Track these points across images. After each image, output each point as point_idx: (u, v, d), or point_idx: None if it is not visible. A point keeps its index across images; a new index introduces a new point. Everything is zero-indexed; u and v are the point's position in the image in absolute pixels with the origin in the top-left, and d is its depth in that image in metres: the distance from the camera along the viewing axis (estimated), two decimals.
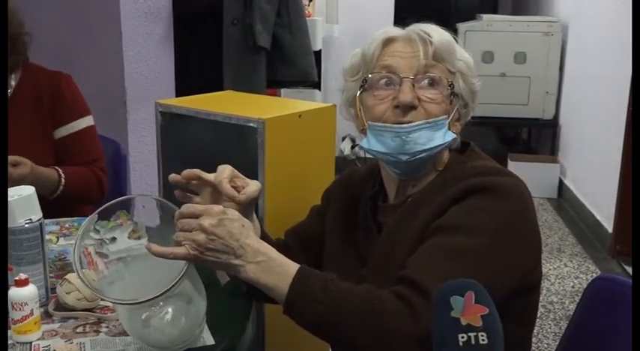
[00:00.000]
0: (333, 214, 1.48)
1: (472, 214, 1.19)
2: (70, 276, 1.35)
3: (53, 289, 1.39)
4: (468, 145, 1.37)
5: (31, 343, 1.23)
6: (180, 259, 1.12)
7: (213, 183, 1.33)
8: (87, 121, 2.07)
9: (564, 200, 4.85)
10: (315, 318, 1.11)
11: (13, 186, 1.38)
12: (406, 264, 1.18)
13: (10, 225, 1.31)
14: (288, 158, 1.84)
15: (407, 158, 1.27)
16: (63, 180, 1.95)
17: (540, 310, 3.18)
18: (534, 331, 3.04)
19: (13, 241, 1.31)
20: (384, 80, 1.28)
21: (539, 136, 5.87)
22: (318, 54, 4.49)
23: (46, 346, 1.23)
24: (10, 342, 1.23)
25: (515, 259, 1.20)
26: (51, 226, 1.78)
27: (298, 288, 1.12)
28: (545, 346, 2.90)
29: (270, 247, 1.17)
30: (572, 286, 3.48)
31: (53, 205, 1.77)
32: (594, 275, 3.55)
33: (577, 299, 3.17)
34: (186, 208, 1.15)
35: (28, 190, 1.35)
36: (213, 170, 2.16)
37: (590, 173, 4.46)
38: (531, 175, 4.71)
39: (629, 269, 3.61)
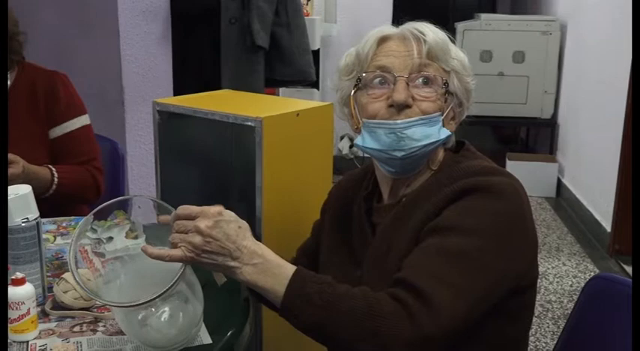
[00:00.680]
0: (328, 218, 1.48)
1: (467, 215, 1.18)
2: (67, 275, 1.35)
3: (50, 288, 1.39)
4: (462, 145, 1.37)
5: (27, 342, 1.23)
6: (176, 261, 1.12)
7: None
8: (82, 121, 2.07)
9: (562, 199, 4.86)
10: (311, 320, 1.11)
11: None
12: (402, 265, 1.17)
13: None
14: (285, 157, 1.84)
15: (402, 155, 1.27)
16: (56, 179, 1.94)
17: (538, 309, 3.18)
18: (532, 330, 3.05)
19: (10, 240, 1.31)
20: (378, 79, 1.28)
21: (537, 136, 5.87)
22: (316, 53, 4.49)
23: (43, 346, 1.22)
24: None
25: (512, 259, 1.19)
26: (48, 225, 1.78)
27: (294, 290, 1.11)
28: (544, 344, 2.90)
29: (267, 248, 1.17)
30: (571, 285, 3.48)
31: (50, 205, 1.77)
32: (592, 274, 3.55)
33: (575, 298, 3.17)
34: (183, 209, 1.15)
35: (25, 189, 1.35)
36: (211, 169, 2.16)
37: (588, 172, 4.46)
38: (529, 174, 4.73)
39: (628, 268, 3.61)
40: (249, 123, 1.76)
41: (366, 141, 1.29)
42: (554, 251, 3.95)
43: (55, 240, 1.71)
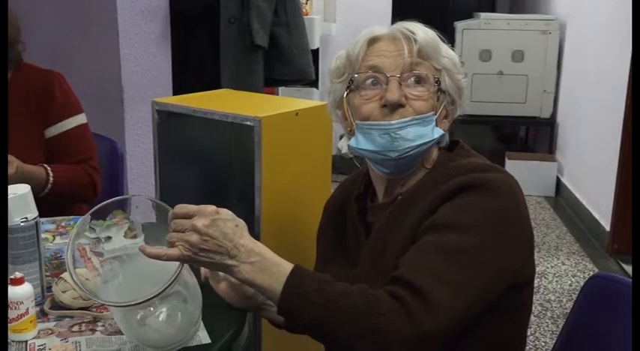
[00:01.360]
0: (327, 217, 1.49)
1: (464, 212, 1.18)
2: (66, 275, 1.35)
3: (49, 288, 1.39)
4: (457, 143, 1.37)
5: (26, 341, 1.23)
6: (173, 260, 1.12)
7: None
8: (78, 120, 2.06)
9: (562, 198, 4.86)
10: (309, 318, 1.11)
11: None
12: (399, 264, 1.17)
13: None
14: (284, 156, 1.84)
15: (396, 155, 1.27)
16: (51, 178, 1.94)
17: (538, 308, 3.18)
18: (531, 329, 3.05)
19: (8, 240, 1.31)
20: (370, 80, 1.28)
21: (536, 135, 5.87)
22: (315, 52, 4.49)
23: (42, 345, 1.22)
24: None
25: (509, 255, 1.19)
26: (47, 224, 1.77)
27: (292, 288, 1.11)
28: (543, 344, 2.90)
29: (265, 247, 1.16)
30: (570, 285, 3.49)
31: (48, 204, 1.76)
32: (591, 273, 3.55)
33: (574, 297, 3.17)
34: (180, 208, 1.15)
35: (24, 189, 1.35)
36: (210, 168, 2.17)
37: (587, 172, 4.46)
38: (529, 173, 4.73)
39: (627, 267, 3.61)
40: (248, 122, 1.76)
41: (360, 142, 1.29)
42: (554, 250, 3.95)
43: (54, 239, 1.71)
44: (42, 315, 1.33)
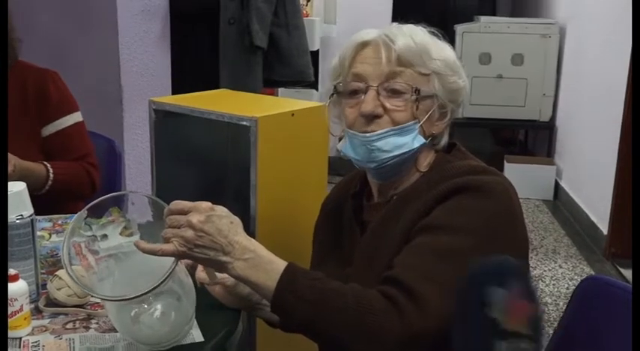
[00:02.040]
0: (324, 215, 1.50)
1: (458, 214, 1.19)
2: (61, 272, 1.35)
3: (44, 285, 1.39)
4: (454, 145, 1.37)
5: (20, 338, 1.24)
6: (168, 256, 1.12)
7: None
8: (75, 118, 2.06)
9: (560, 202, 4.86)
10: (302, 316, 1.11)
11: None
12: (392, 264, 1.18)
13: None
14: (281, 156, 1.84)
15: (374, 166, 1.29)
16: (51, 175, 1.94)
17: None
18: None
19: None
20: (351, 89, 1.29)
21: (535, 138, 5.87)
22: (315, 54, 4.49)
23: (36, 342, 1.23)
24: None
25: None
26: (44, 222, 1.78)
27: (285, 286, 1.12)
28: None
29: (260, 244, 1.17)
30: (567, 288, 3.49)
31: (46, 201, 1.76)
32: None
33: None
34: (175, 204, 1.15)
35: (19, 186, 1.35)
36: (207, 168, 2.17)
37: (585, 175, 4.46)
38: (527, 176, 4.73)
39: (624, 271, 3.61)
40: (245, 122, 1.77)
41: (346, 148, 1.32)
42: (551, 254, 3.95)
43: (50, 237, 1.71)
44: (36, 312, 1.33)
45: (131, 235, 1.30)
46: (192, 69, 3.10)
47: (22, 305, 1.24)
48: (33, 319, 1.29)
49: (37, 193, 1.90)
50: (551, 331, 3.06)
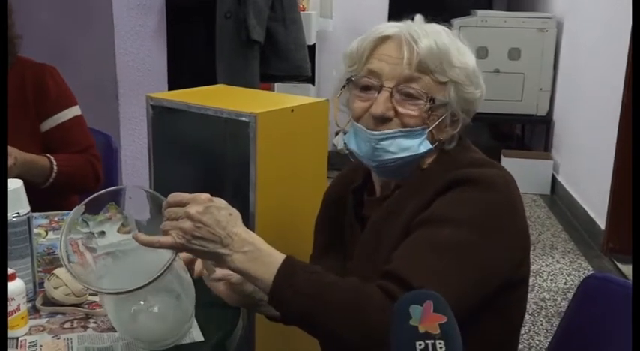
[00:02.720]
0: (325, 208, 1.48)
1: (457, 207, 1.18)
2: (59, 271, 1.34)
3: (41, 284, 1.38)
4: (459, 139, 1.35)
5: (18, 338, 1.22)
6: (166, 248, 1.11)
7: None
8: (73, 112, 2.05)
9: (557, 197, 4.86)
10: (300, 309, 1.10)
11: None
12: (391, 258, 1.17)
13: None
14: (280, 153, 1.83)
15: (376, 165, 1.28)
16: (55, 167, 1.93)
17: (532, 306, 3.18)
18: (526, 327, 3.05)
19: None
20: (364, 84, 1.27)
21: (532, 133, 5.87)
22: (312, 48, 4.47)
23: (33, 342, 1.21)
24: None
25: (502, 252, 1.19)
26: (40, 219, 1.76)
27: (283, 279, 1.11)
28: (537, 342, 2.90)
29: (258, 237, 1.16)
30: (565, 283, 3.49)
31: (49, 195, 1.75)
32: (586, 272, 3.56)
33: (569, 296, 3.18)
34: (173, 197, 1.14)
35: (16, 184, 1.34)
36: (205, 164, 2.15)
37: (583, 170, 4.46)
38: (524, 171, 4.73)
39: (621, 266, 3.61)
40: (244, 118, 1.75)
41: (350, 141, 1.30)
42: (548, 249, 3.95)
43: (46, 235, 1.70)
44: (34, 311, 1.31)
45: (129, 232, 1.28)
46: (188, 63, 3.08)
47: (19, 304, 1.22)
48: (30, 318, 1.27)
49: (41, 186, 1.89)
50: (550, 326, 3.07)
